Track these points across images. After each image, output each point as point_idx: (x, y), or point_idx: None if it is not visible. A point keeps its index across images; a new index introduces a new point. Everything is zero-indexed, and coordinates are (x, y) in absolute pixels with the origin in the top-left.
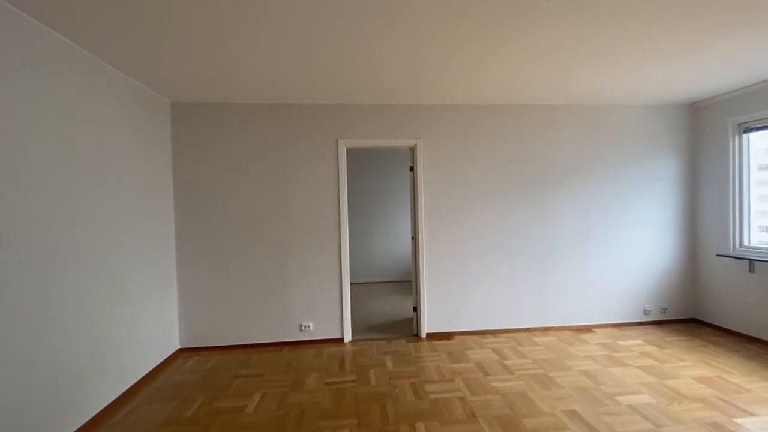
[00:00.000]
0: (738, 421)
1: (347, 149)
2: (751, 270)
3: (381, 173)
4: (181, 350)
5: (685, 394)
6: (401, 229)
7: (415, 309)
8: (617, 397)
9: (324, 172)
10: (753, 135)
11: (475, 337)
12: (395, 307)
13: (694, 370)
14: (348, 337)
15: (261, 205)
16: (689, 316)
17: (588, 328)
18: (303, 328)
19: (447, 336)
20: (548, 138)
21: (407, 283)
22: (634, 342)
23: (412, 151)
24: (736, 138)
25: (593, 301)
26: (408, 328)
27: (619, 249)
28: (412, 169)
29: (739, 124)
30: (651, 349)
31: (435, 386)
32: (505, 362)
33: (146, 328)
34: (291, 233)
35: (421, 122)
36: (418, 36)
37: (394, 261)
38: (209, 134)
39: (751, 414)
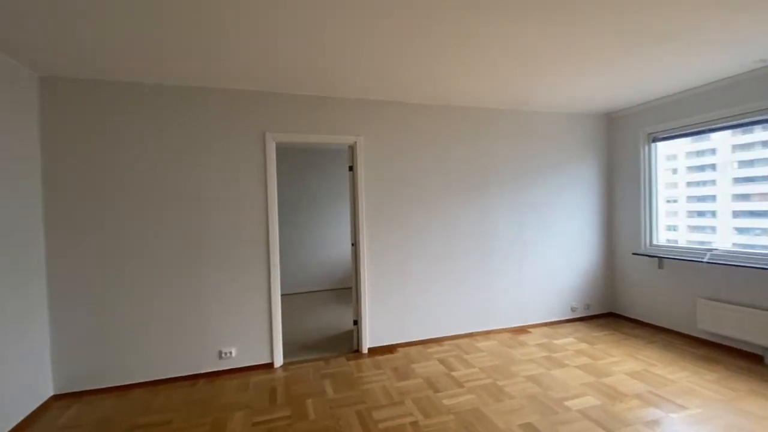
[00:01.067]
0: (677, 415)
1: (277, 145)
2: (660, 266)
3: (315, 173)
4: (56, 397)
5: (623, 391)
6: (337, 234)
7: (356, 322)
8: (566, 403)
9: (249, 170)
10: (660, 144)
11: (419, 348)
12: (333, 319)
13: (623, 365)
14: (279, 361)
15: (168, 210)
16: (608, 311)
17: (524, 329)
18: (223, 355)
19: (390, 349)
20: (486, 141)
21: (345, 290)
22: (567, 340)
23: (352, 149)
24: (647, 146)
25: (527, 302)
26: (347, 342)
27: (549, 251)
28: (351, 168)
29: (649, 134)
30: (583, 346)
31: (384, 412)
32: (453, 374)
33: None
34: (207, 243)
35: (361, 118)
36: (365, 20)
37: (330, 268)
38: (95, 120)
39: (683, 407)
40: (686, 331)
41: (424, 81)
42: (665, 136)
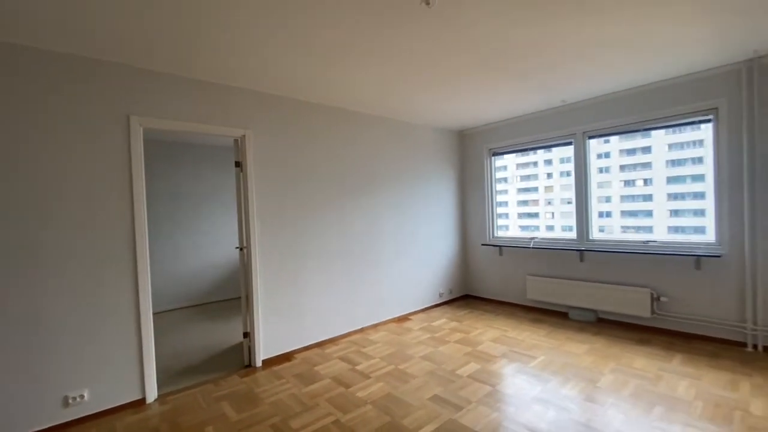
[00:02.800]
0: (531, 363)
1: (145, 131)
2: (501, 254)
3: (187, 172)
4: None
5: (493, 354)
6: (214, 240)
7: (247, 335)
8: (457, 372)
9: (106, 160)
10: (497, 158)
11: (317, 351)
12: (213, 335)
13: (487, 335)
14: (153, 395)
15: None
16: (465, 293)
17: (406, 317)
18: (71, 401)
19: (287, 357)
20: (374, 145)
21: (224, 303)
22: (442, 321)
23: (239, 143)
24: (488, 159)
25: (407, 294)
26: (236, 358)
27: (421, 247)
28: (238, 164)
29: (489, 149)
30: (455, 324)
31: (301, 419)
32: (358, 368)
33: None
34: (48, 256)
35: (251, 110)
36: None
37: (204, 279)
38: None
39: (533, 357)
40: (520, 302)
41: (318, 81)
42: (501, 151)
